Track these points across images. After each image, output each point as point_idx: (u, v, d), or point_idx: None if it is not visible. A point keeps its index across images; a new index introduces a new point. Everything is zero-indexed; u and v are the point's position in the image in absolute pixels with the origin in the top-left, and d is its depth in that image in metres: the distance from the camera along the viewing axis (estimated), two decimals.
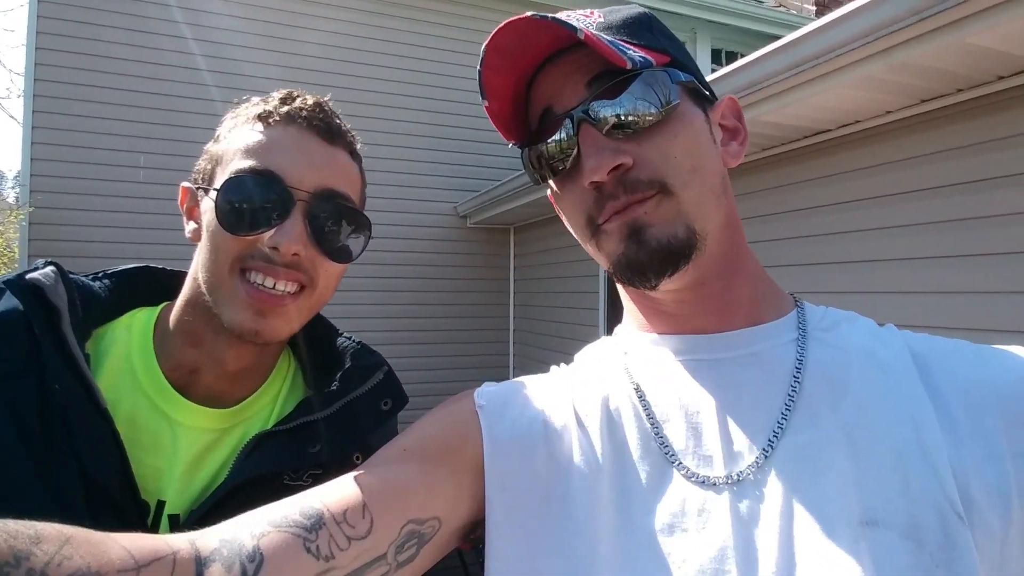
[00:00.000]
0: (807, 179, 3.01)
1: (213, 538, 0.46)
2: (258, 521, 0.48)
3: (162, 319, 0.75)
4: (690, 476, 0.52)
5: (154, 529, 0.65)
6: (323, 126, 0.71)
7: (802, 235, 3.00)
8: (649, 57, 0.53)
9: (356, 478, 0.54)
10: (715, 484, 0.51)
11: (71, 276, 0.71)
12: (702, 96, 0.59)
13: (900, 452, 0.48)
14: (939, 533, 0.45)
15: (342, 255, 0.72)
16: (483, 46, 0.54)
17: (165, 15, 5.37)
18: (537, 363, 6.05)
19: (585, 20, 0.56)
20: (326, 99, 0.75)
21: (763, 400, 0.54)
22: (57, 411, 0.61)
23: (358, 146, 0.77)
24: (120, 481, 0.62)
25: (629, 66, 0.51)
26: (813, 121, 2.72)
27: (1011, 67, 2.10)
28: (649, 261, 0.53)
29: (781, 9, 7.71)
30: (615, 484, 0.53)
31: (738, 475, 0.51)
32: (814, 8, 7.59)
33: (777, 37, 2.58)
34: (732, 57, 7.16)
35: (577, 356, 0.68)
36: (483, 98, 0.57)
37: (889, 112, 2.57)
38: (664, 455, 0.54)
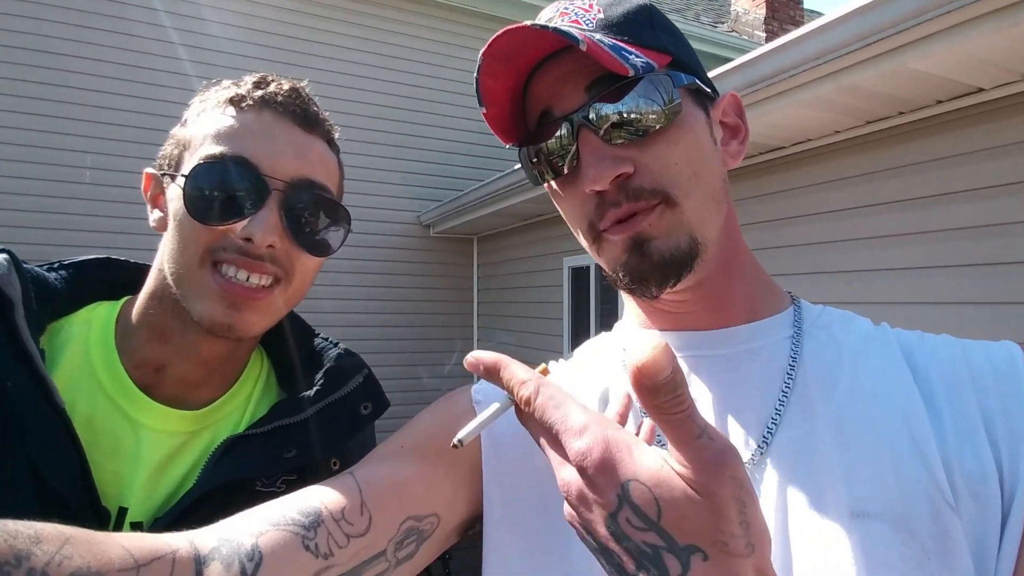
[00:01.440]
0: (758, 194, 3.12)
1: (212, 536, 0.45)
2: (256, 519, 0.48)
3: (124, 314, 0.70)
4: None
5: None
6: (300, 112, 0.67)
7: (753, 248, 3.11)
8: (651, 60, 0.52)
9: (354, 475, 0.53)
10: None
11: (25, 266, 0.66)
12: (704, 95, 0.57)
13: (890, 443, 0.48)
14: (931, 523, 0.44)
15: (319, 248, 0.69)
16: (480, 52, 0.53)
17: (114, 11, 5.21)
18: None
19: (584, 15, 0.55)
20: (303, 84, 0.71)
21: (760, 395, 0.54)
22: (9, 409, 0.57)
23: (336, 135, 0.74)
24: (77, 486, 0.58)
25: (631, 74, 0.49)
26: (767, 138, 2.83)
27: (949, 92, 2.25)
28: (651, 272, 0.52)
29: (733, 34, 8.01)
30: None
31: None
32: (764, 35, 7.93)
33: (728, 60, 2.68)
34: None
35: (576, 352, 0.68)
36: (480, 105, 0.55)
37: (838, 132, 2.70)
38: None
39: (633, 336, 0.64)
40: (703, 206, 0.53)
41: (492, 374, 0.46)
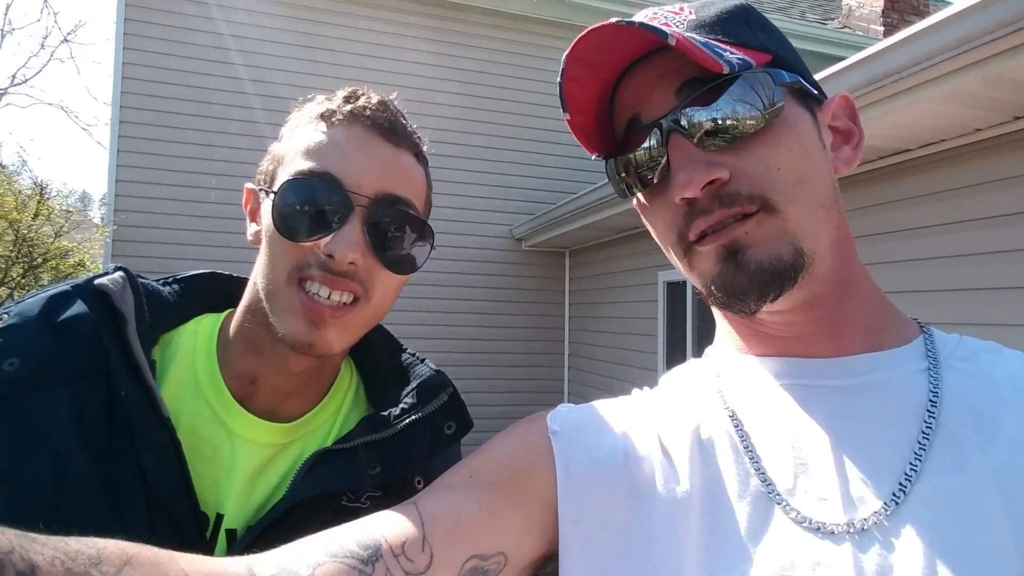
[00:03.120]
0: (883, 202, 2.84)
1: (271, 564, 0.45)
2: (315, 550, 0.47)
3: (225, 326, 0.72)
4: (801, 521, 0.45)
5: (212, 542, 0.64)
6: (387, 126, 0.67)
7: (879, 262, 2.82)
8: (748, 57, 0.48)
9: (417, 506, 0.51)
10: (832, 532, 0.44)
11: (140, 281, 0.69)
12: (809, 96, 0.53)
13: None
14: None
15: (402, 265, 0.68)
16: (564, 56, 0.50)
17: (233, 58, 5.68)
18: (592, 388, 5.93)
19: (675, 18, 0.52)
20: (392, 97, 0.72)
21: (889, 436, 0.47)
22: (123, 417, 0.60)
23: (424, 147, 0.73)
24: (180, 492, 0.61)
25: (727, 70, 0.46)
26: (891, 140, 2.57)
27: None
28: (749, 285, 0.47)
29: (845, 30, 7.47)
30: (706, 524, 0.47)
31: (862, 523, 0.44)
32: (882, 29, 7.32)
33: (841, 59, 2.47)
34: None
35: (662, 379, 0.62)
36: (564, 111, 0.53)
37: (978, 130, 2.40)
38: (767, 494, 0.47)
39: (729, 362, 0.57)
40: (810, 214, 0.48)
41: None
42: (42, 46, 17.55)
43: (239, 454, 0.67)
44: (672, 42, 0.45)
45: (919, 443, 0.46)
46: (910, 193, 2.73)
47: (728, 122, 0.47)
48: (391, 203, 0.66)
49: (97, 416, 0.59)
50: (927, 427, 0.46)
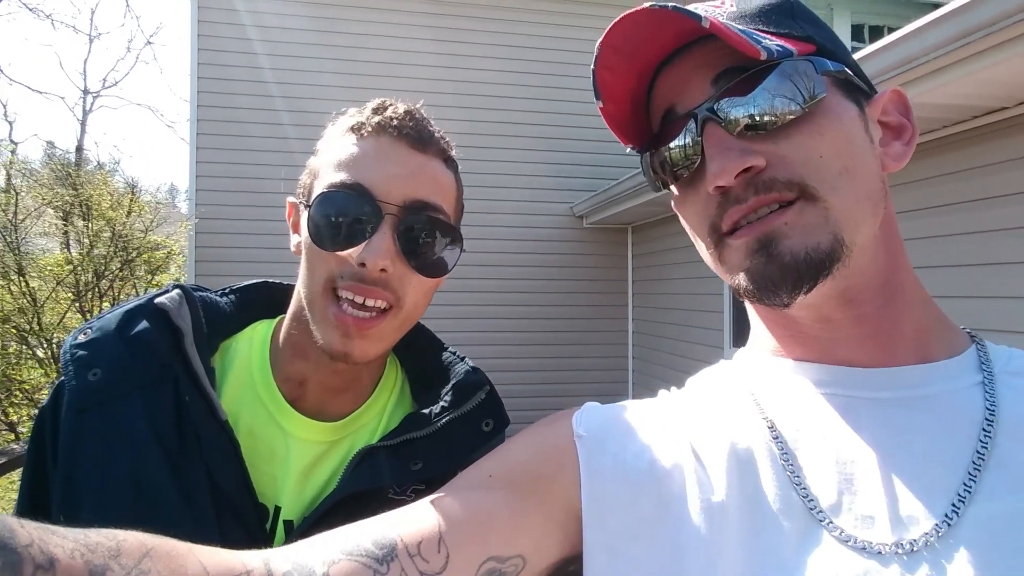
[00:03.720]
0: (974, 166, 2.61)
1: (287, 561, 0.46)
2: (331, 547, 0.47)
3: (276, 332, 0.77)
4: (846, 540, 0.43)
5: (272, 532, 0.69)
6: (414, 134, 0.69)
7: (969, 231, 2.61)
8: (789, 46, 0.47)
9: (436, 505, 0.51)
10: (880, 552, 0.42)
11: (199, 294, 0.75)
12: (856, 89, 0.51)
13: None
14: None
15: (433, 269, 0.70)
16: (598, 43, 0.50)
17: (305, 52, 5.85)
18: (657, 366, 5.85)
19: (715, 11, 0.51)
20: (418, 106, 0.74)
21: (942, 454, 0.45)
22: (189, 421, 0.65)
23: (452, 152, 0.75)
24: (240, 488, 0.66)
25: (764, 56, 0.44)
26: (982, 99, 2.35)
27: None
28: (782, 276, 0.46)
29: None
30: (746, 539, 0.45)
31: (911, 544, 0.42)
32: None
33: (931, 4, 2.26)
34: (876, 32, 6.46)
35: (689, 381, 0.61)
36: (597, 99, 0.52)
37: None
38: (809, 511, 0.45)
39: (764, 367, 0.54)
40: (854, 204, 0.46)
41: None
42: (128, 49, 18.71)
43: (292, 452, 0.71)
44: (706, 24, 0.44)
45: (973, 463, 0.44)
46: (1006, 155, 2.49)
47: (766, 110, 0.46)
48: (420, 209, 0.68)
49: (168, 420, 0.65)
50: (982, 446, 0.44)
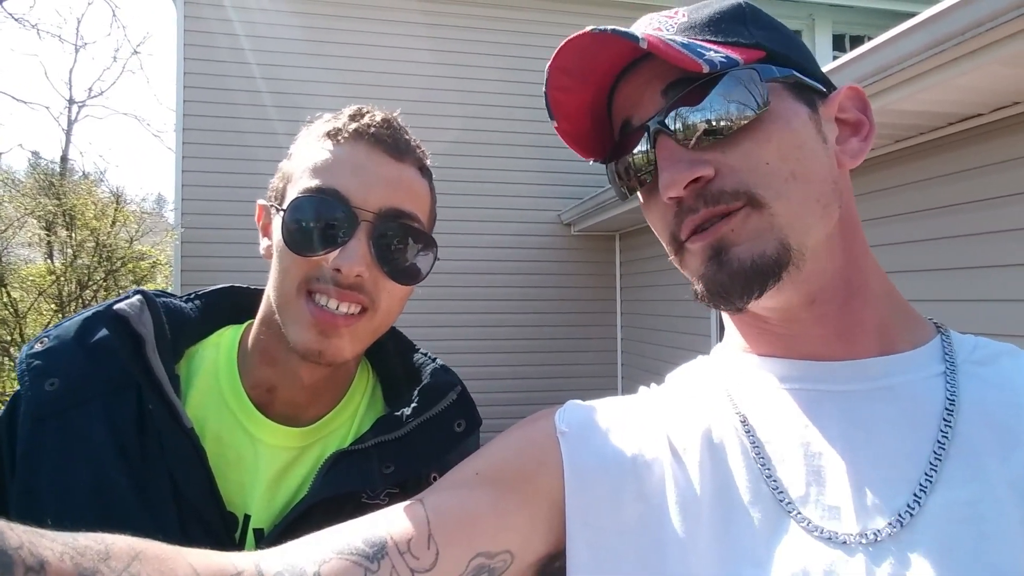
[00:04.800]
0: (950, 172, 2.66)
1: (277, 561, 0.46)
2: (322, 547, 0.48)
3: (244, 337, 0.76)
4: (812, 529, 0.45)
5: (241, 542, 0.68)
6: (391, 142, 0.69)
7: (944, 236, 2.65)
8: (735, 55, 0.48)
9: (424, 503, 0.52)
10: (845, 542, 0.44)
11: (162, 300, 0.74)
12: (809, 90, 0.52)
13: None
14: None
15: (407, 276, 0.70)
16: (547, 66, 0.51)
17: (293, 61, 5.86)
18: (647, 373, 5.87)
19: (667, 22, 0.52)
20: (395, 114, 0.74)
21: (905, 444, 0.46)
22: (152, 428, 0.65)
23: (427, 161, 0.76)
24: (206, 496, 0.64)
25: (706, 69, 0.46)
26: (959, 105, 2.40)
27: None
28: (731, 283, 0.48)
29: None
30: (717, 531, 0.47)
31: (875, 534, 0.43)
32: None
33: (909, 14, 2.31)
34: (857, 41, 6.56)
35: (669, 377, 0.62)
36: (552, 119, 0.54)
37: None
38: (779, 502, 0.47)
39: (737, 363, 0.56)
40: (801, 209, 0.48)
41: None
42: (114, 59, 18.62)
43: (262, 458, 0.70)
44: (644, 45, 0.45)
45: (935, 452, 0.45)
46: (982, 161, 2.54)
47: (713, 120, 0.47)
48: (395, 217, 0.68)
49: (129, 428, 0.64)
50: (943, 436, 0.45)
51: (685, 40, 0.49)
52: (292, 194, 0.69)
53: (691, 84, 0.48)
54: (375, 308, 0.69)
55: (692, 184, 0.48)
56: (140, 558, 0.39)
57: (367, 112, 0.72)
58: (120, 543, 0.39)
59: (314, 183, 0.67)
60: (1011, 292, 2.42)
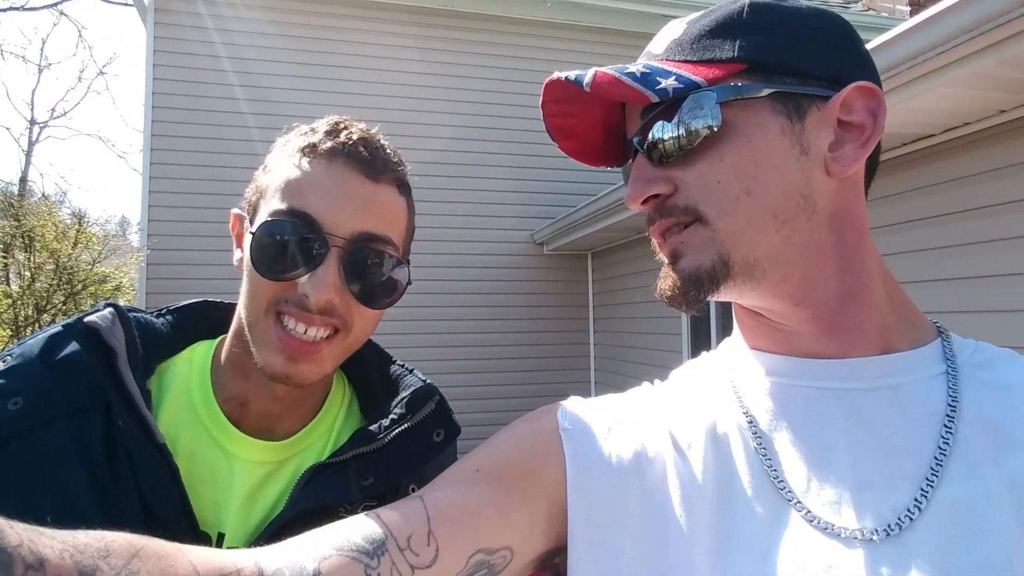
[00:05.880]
0: (905, 190, 2.76)
1: (277, 558, 0.46)
2: (321, 543, 0.48)
3: (218, 352, 0.75)
4: (813, 521, 0.45)
5: None
6: (368, 161, 0.68)
7: (902, 251, 2.75)
8: (696, 77, 0.49)
9: (424, 500, 0.51)
10: (845, 536, 0.44)
11: (132, 314, 0.72)
12: (798, 97, 0.50)
13: None
14: None
15: (378, 301, 0.69)
16: (540, 102, 0.55)
17: (269, 82, 5.83)
18: (619, 391, 5.88)
19: (665, 38, 0.55)
20: (374, 131, 0.72)
21: (907, 443, 0.47)
22: (122, 446, 0.62)
23: (406, 177, 0.74)
24: (179, 514, 0.63)
25: (655, 99, 0.49)
26: (912, 126, 2.51)
27: None
28: (673, 289, 0.52)
29: (870, 12, 7.29)
30: (719, 524, 0.47)
31: (875, 529, 0.44)
32: (908, 8, 7.11)
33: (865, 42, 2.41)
34: None
35: (673, 373, 0.63)
36: (554, 141, 0.58)
37: (1003, 111, 2.32)
38: (781, 495, 0.47)
39: (741, 358, 0.57)
40: (748, 225, 0.49)
41: None
42: (79, 79, 18.31)
43: (236, 474, 0.69)
44: (588, 89, 0.49)
45: (938, 450, 0.46)
46: (936, 179, 2.65)
47: (673, 140, 0.50)
48: (367, 241, 0.67)
49: (97, 446, 0.62)
50: (945, 435, 0.46)
51: (647, 69, 0.50)
52: (264, 212, 0.67)
53: (658, 107, 0.51)
54: (347, 329, 0.68)
55: (652, 199, 0.52)
56: (140, 555, 0.39)
57: (344, 128, 0.70)
58: (120, 540, 0.39)
59: (285, 205, 0.66)
60: (1002, 303, 2.51)
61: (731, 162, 0.49)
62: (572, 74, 0.51)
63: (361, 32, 6.09)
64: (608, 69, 0.50)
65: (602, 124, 0.57)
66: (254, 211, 0.70)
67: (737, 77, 0.50)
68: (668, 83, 0.49)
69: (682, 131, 0.49)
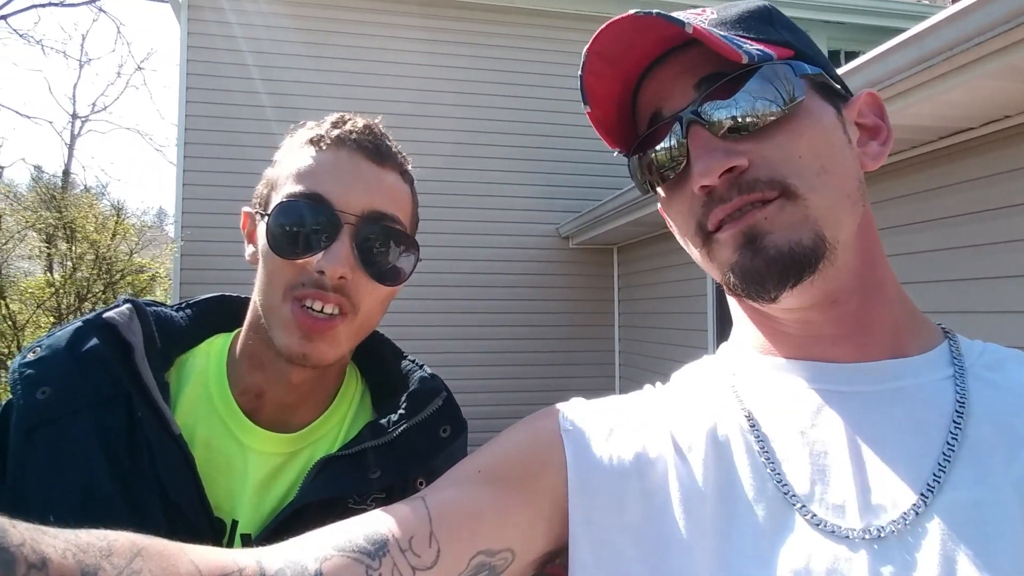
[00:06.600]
0: (940, 186, 2.68)
1: (279, 558, 0.46)
2: (323, 544, 0.48)
3: (234, 344, 0.77)
4: (817, 524, 0.45)
5: (229, 547, 0.67)
6: (372, 148, 0.71)
7: (939, 248, 2.67)
8: (769, 50, 0.48)
9: (425, 501, 0.52)
10: (849, 538, 0.44)
11: (152, 309, 0.75)
12: (833, 92, 0.52)
13: None
14: None
15: (389, 277, 0.71)
16: (584, 49, 0.51)
17: (295, 76, 5.92)
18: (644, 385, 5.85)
19: (697, 18, 0.52)
20: (376, 121, 0.76)
21: (913, 445, 0.46)
22: (142, 436, 0.65)
23: (408, 167, 0.77)
24: (194, 502, 0.65)
25: (745, 60, 0.46)
26: (946, 120, 2.43)
27: None
28: (767, 270, 0.47)
29: (910, 1, 7.05)
30: (720, 527, 0.47)
31: (879, 530, 0.43)
32: None
33: (901, 30, 2.34)
34: (852, 56, 6.59)
35: (674, 376, 0.62)
36: (585, 104, 0.54)
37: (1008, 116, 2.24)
38: (784, 497, 0.47)
39: (745, 361, 0.56)
40: (833, 203, 0.48)
41: None
42: (118, 74, 18.80)
43: (250, 464, 0.71)
44: (689, 30, 0.46)
45: (944, 453, 0.45)
46: (974, 174, 2.57)
47: (748, 112, 0.47)
48: (377, 219, 0.70)
49: (119, 436, 0.65)
50: (952, 438, 0.45)
51: (724, 32, 0.49)
52: (276, 200, 0.70)
53: (724, 77, 0.48)
54: (355, 311, 0.70)
55: (726, 173, 0.47)
56: (142, 554, 0.39)
57: (349, 119, 0.73)
58: (122, 540, 0.39)
59: (298, 188, 0.69)
60: (1009, 304, 2.43)
61: (808, 137, 0.48)
62: (665, 13, 0.47)
63: (385, 26, 6.12)
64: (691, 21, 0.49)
65: (617, 99, 0.54)
66: (266, 204, 0.73)
67: (791, 59, 0.50)
68: (750, 48, 0.47)
69: (764, 102, 0.47)
